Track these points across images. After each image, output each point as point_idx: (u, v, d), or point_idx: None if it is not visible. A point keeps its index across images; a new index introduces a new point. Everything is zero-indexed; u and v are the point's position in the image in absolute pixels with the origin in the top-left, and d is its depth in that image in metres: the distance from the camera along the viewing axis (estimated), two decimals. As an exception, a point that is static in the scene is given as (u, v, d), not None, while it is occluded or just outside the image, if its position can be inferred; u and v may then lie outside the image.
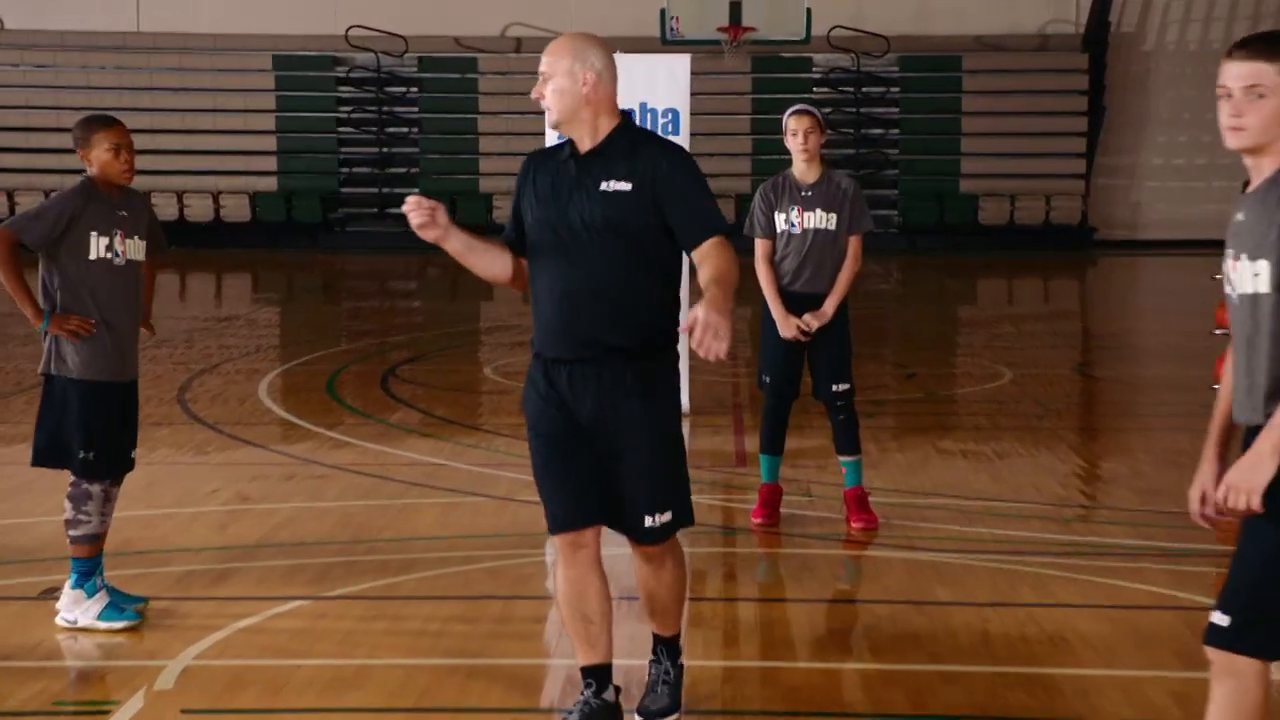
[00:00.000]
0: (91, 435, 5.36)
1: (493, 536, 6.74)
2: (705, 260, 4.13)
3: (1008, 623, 5.56)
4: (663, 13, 21.91)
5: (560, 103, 4.23)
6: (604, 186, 4.17)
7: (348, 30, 25.84)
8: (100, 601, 5.39)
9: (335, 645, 5.25)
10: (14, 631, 5.37)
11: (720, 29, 22.04)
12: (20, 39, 26.52)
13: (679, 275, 4.36)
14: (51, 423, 5.41)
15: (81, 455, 5.36)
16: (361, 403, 10.44)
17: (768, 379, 6.96)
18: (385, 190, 26.42)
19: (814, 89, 26.49)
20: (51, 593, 5.66)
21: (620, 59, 9.78)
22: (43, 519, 6.78)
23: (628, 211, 4.15)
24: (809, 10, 21.80)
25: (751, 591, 6.17)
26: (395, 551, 6.44)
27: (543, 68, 4.28)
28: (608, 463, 4.23)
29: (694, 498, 7.68)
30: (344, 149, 26.73)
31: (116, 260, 5.39)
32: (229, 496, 7.49)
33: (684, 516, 4.38)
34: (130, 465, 5.56)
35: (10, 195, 25.58)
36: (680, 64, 9.85)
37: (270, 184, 26.20)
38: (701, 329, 3.85)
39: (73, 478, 5.41)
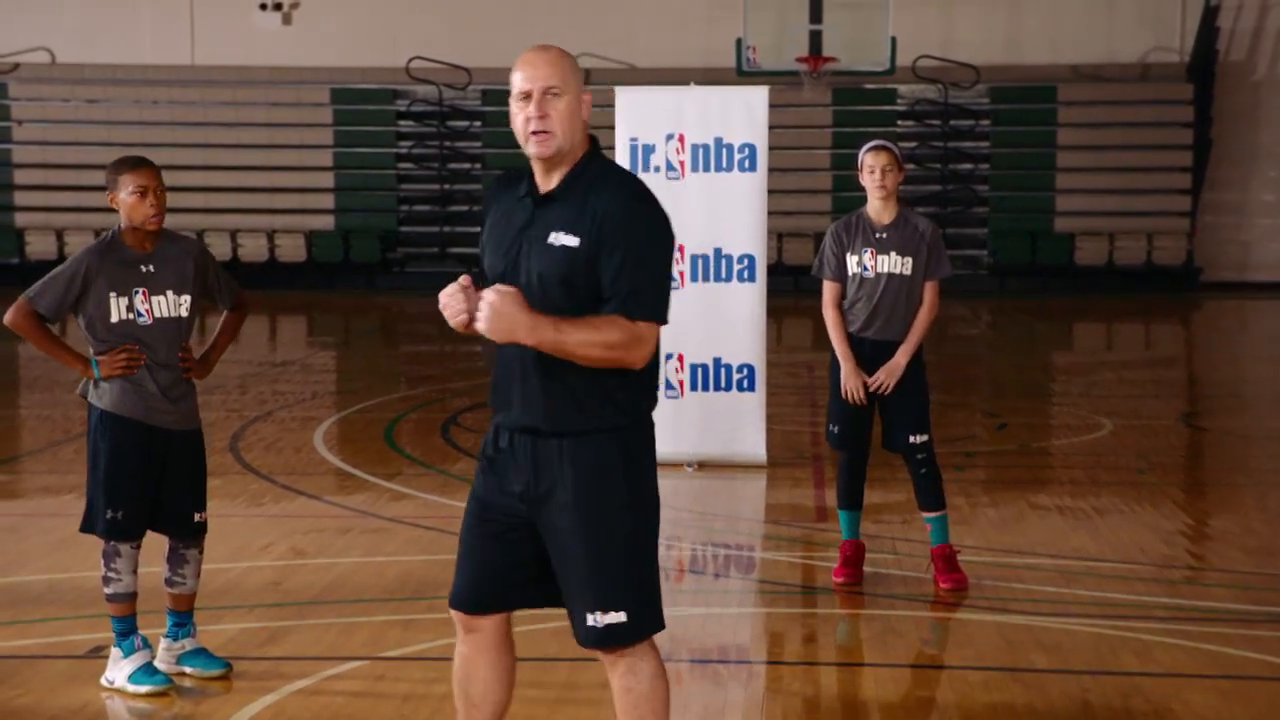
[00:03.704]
0: (117, 490, 5.42)
1: (559, 595, 6.74)
2: (604, 318, 3.72)
3: (1110, 693, 5.48)
4: (739, 42, 22.02)
5: (570, 128, 3.79)
6: (552, 239, 3.77)
7: (409, 62, 26.17)
8: (134, 663, 5.44)
9: (394, 709, 5.27)
10: (60, 692, 5.45)
11: (799, 59, 22.11)
12: (71, 73, 27.09)
13: None
14: (89, 486, 5.50)
15: (109, 515, 5.42)
16: (421, 452, 10.51)
17: (835, 429, 6.95)
18: (446, 229, 26.66)
19: (898, 122, 26.47)
20: (99, 651, 5.74)
21: (695, 91, 9.96)
22: (92, 572, 6.86)
23: (578, 267, 3.75)
24: (894, 39, 21.82)
25: (832, 655, 6.14)
26: (456, 610, 6.46)
27: (550, 81, 3.77)
28: (551, 547, 3.89)
29: (772, 554, 7.68)
30: (404, 186, 27.02)
31: (142, 320, 5.41)
32: (283, 550, 7.56)
33: (643, 621, 3.86)
34: (191, 527, 5.61)
35: (60, 235, 26.08)
36: (758, 96, 9.89)
37: (327, 222, 26.53)
38: (489, 298, 3.64)
39: None
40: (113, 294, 5.39)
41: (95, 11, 27.04)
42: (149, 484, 5.48)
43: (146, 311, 5.42)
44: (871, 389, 6.81)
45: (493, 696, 4.08)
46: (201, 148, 26.31)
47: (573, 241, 3.75)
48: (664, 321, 3.82)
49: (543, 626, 6.21)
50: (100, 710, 5.33)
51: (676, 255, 9.83)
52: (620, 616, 3.85)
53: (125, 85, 27.02)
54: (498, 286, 3.72)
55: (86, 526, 5.54)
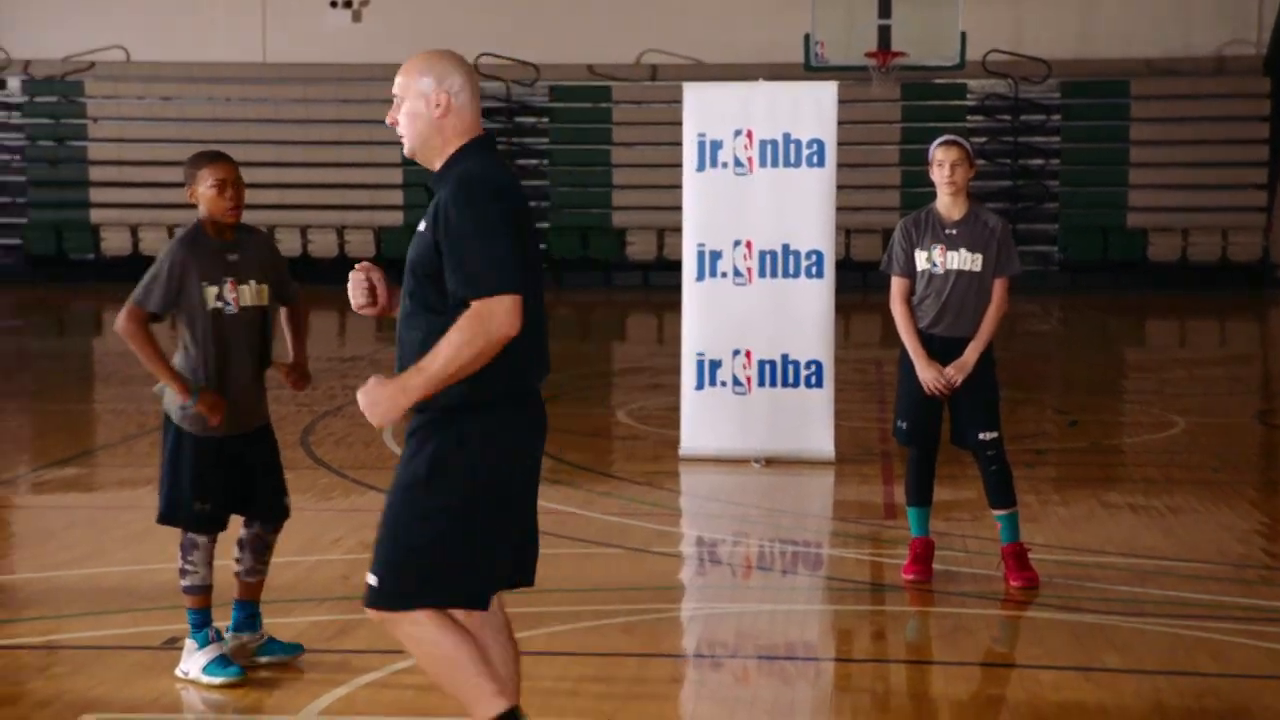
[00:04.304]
0: (204, 486, 5.48)
1: (627, 590, 6.75)
2: (453, 326, 3.92)
3: (1184, 694, 5.42)
4: (807, 37, 21.93)
5: (411, 128, 4.11)
6: (420, 225, 4.09)
7: (478, 58, 26.28)
8: (208, 654, 5.50)
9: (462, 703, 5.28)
10: (136, 682, 5.51)
11: (868, 54, 21.99)
12: (145, 70, 27.42)
13: None
14: (170, 478, 5.55)
15: (199, 507, 5.49)
16: (489, 447, 10.53)
17: (904, 425, 6.91)
18: (514, 225, 26.72)
19: (968, 117, 26.27)
20: (174, 642, 5.81)
21: (763, 87, 9.95)
22: (168, 565, 6.92)
23: (422, 254, 4.02)
24: (963, 34, 21.66)
25: (901, 653, 6.11)
26: (525, 604, 6.48)
27: (395, 89, 4.15)
28: None
29: (840, 551, 7.64)
30: (472, 182, 27.09)
31: (229, 310, 5.48)
32: (353, 544, 7.61)
33: (386, 590, 4.05)
34: (283, 510, 5.70)
35: (134, 231, 26.39)
36: (826, 91, 9.85)
37: (395, 219, 26.68)
38: (362, 401, 3.94)
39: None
40: (205, 283, 5.46)
41: (170, 10, 27.34)
42: (234, 480, 5.55)
43: (234, 300, 5.50)
44: (943, 385, 6.76)
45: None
46: (272, 144, 26.54)
47: (423, 227, 4.04)
48: (508, 290, 3.92)
49: (610, 622, 6.23)
50: (175, 701, 5.39)
51: (744, 251, 9.81)
52: (372, 579, 4.09)
53: (198, 83, 27.30)
54: (364, 386, 3.96)
55: (167, 518, 5.58)
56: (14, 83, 27.50)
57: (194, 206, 5.55)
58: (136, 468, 9.66)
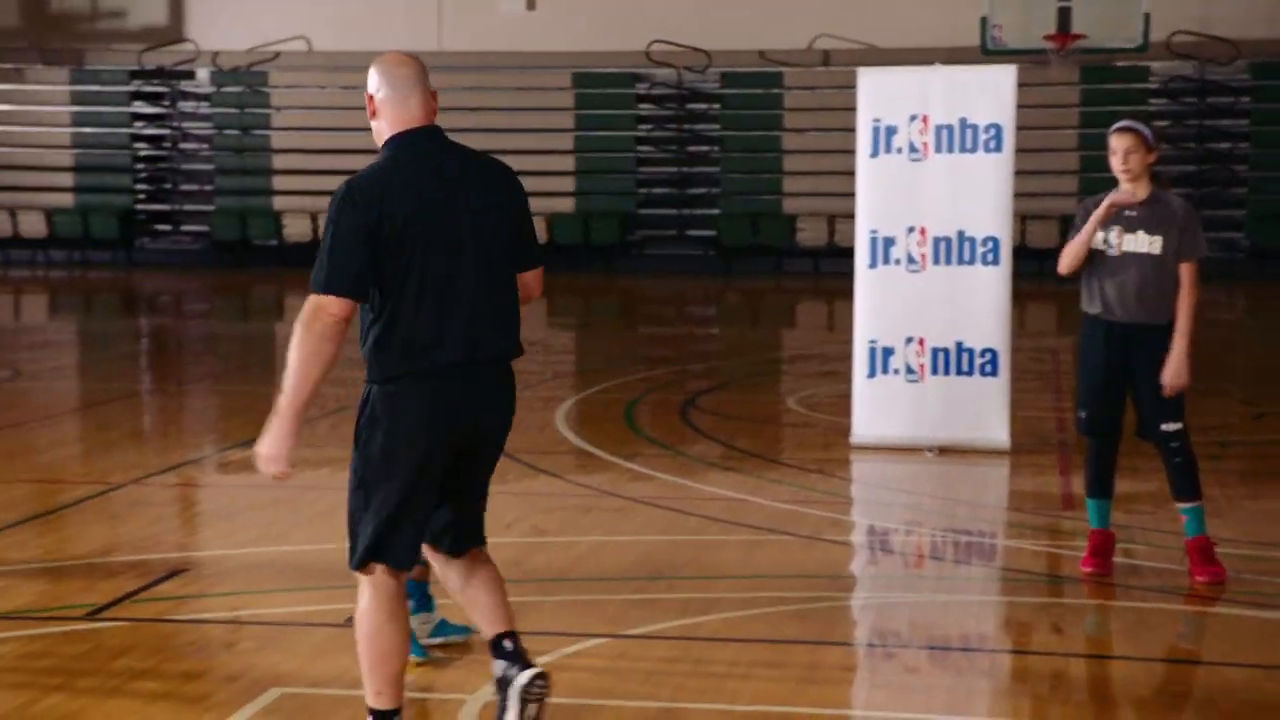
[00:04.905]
0: None
1: (799, 577, 6.74)
2: None
3: (1379, 696, 5.23)
4: (984, 21, 21.59)
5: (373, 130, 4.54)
6: None
7: (649, 46, 26.36)
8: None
9: (637, 687, 5.33)
10: (320, 659, 5.66)
11: (1046, 37, 21.58)
12: (326, 60, 28.05)
13: (380, 309, 4.40)
14: None
15: None
16: (660, 433, 10.60)
17: (1085, 415, 6.74)
18: (685, 212, 26.79)
19: (1150, 100, 25.60)
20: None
21: (939, 71, 9.81)
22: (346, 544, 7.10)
23: None
24: (1147, 15, 21.12)
25: (1080, 646, 5.99)
26: (697, 590, 6.51)
27: None
28: None
29: (1016, 542, 7.52)
30: (642, 169, 27.23)
31: None
32: (526, 528, 7.70)
33: (351, 554, 4.52)
34: None
35: (314, 217, 27.01)
36: (1005, 75, 9.67)
37: (568, 205, 26.92)
38: (261, 464, 4.31)
39: None
40: None
41: (349, 1, 27.91)
42: None
43: None
44: (1167, 393, 6.56)
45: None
46: (447, 132, 26.92)
47: None
48: (320, 291, 4.26)
49: (782, 609, 6.22)
50: (357, 678, 5.46)
51: (918, 238, 9.70)
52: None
53: (377, 72, 27.80)
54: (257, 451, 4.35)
55: None
56: (203, 74, 28.35)
57: None
58: (317, 448, 9.88)
